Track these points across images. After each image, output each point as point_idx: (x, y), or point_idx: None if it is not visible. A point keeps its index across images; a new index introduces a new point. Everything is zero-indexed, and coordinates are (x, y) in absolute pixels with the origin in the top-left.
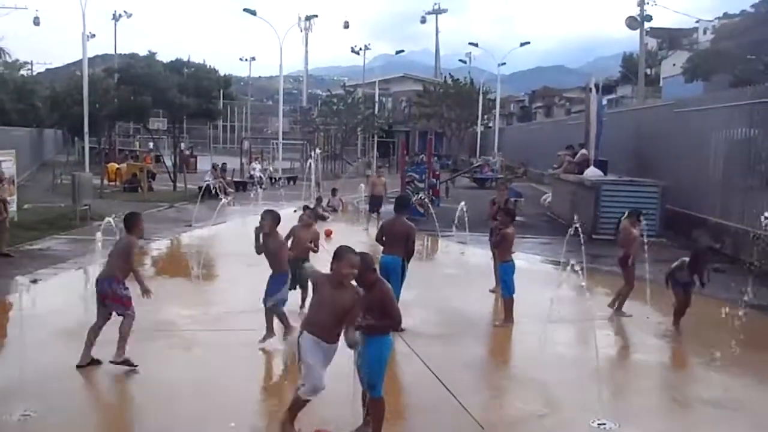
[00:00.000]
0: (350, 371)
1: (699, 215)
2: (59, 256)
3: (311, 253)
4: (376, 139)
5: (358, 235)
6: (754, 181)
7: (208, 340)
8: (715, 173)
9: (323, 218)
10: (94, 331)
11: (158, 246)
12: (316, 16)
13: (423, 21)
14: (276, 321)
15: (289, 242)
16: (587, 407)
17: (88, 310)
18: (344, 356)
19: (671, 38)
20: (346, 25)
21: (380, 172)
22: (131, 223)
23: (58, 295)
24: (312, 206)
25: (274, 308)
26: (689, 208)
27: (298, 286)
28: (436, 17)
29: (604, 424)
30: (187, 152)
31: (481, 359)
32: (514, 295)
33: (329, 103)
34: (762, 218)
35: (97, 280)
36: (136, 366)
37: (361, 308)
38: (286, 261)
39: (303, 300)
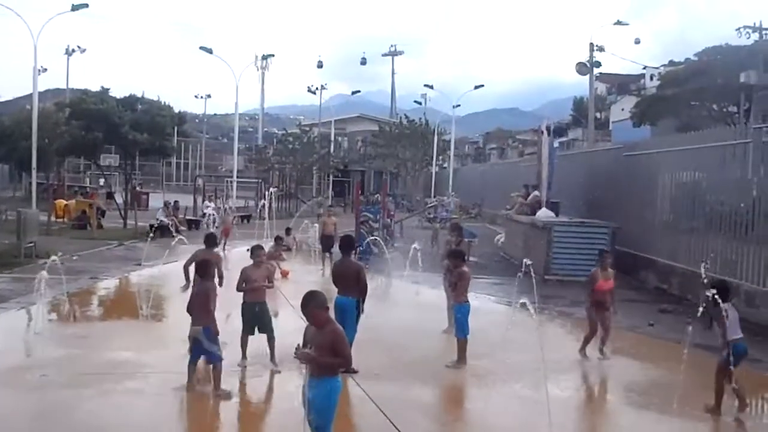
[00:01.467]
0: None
1: (648, 256)
2: (1, 296)
3: (268, 293)
4: (331, 178)
5: (313, 275)
6: (700, 223)
7: (153, 381)
8: (662, 215)
9: (280, 258)
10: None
11: (106, 285)
12: (273, 55)
13: (363, 63)
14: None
15: (243, 285)
16: None
17: (28, 351)
18: (294, 400)
19: (620, 84)
20: (320, 65)
21: (331, 211)
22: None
23: None
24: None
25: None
26: (638, 249)
27: (257, 330)
28: (392, 59)
29: None
30: (137, 188)
31: (435, 402)
32: (468, 336)
33: (285, 141)
34: (702, 268)
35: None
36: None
37: (316, 348)
38: (211, 312)
39: (272, 349)
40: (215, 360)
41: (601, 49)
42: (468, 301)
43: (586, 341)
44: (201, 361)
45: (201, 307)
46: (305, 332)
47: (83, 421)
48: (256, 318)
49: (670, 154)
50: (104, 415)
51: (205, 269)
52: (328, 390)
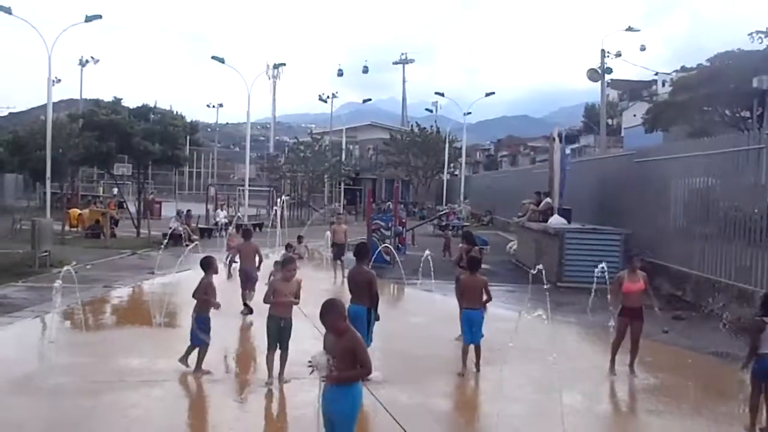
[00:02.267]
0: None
1: (661, 263)
2: (15, 304)
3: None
4: (342, 186)
5: (325, 283)
6: (713, 229)
7: (167, 389)
8: (675, 221)
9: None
10: None
11: (119, 294)
12: (285, 64)
13: (365, 71)
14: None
15: (271, 297)
16: None
17: (41, 360)
18: (310, 406)
19: (631, 90)
20: (340, 73)
21: (341, 218)
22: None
23: (10, 346)
24: (292, 245)
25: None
26: (651, 256)
27: (278, 346)
28: (403, 67)
29: None
30: (150, 196)
31: (447, 409)
32: (467, 343)
33: (296, 150)
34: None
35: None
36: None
37: (332, 355)
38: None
39: (283, 364)
40: (199, 344)
41: (618, 54)
42: (464, 308)
43: (613, 350)
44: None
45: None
46: (324, 340)
47: (96, 429)
48: (280, 332)
49: (682, 160)
50: (117, 423)
51: (208, 264)
52: (353, 398)
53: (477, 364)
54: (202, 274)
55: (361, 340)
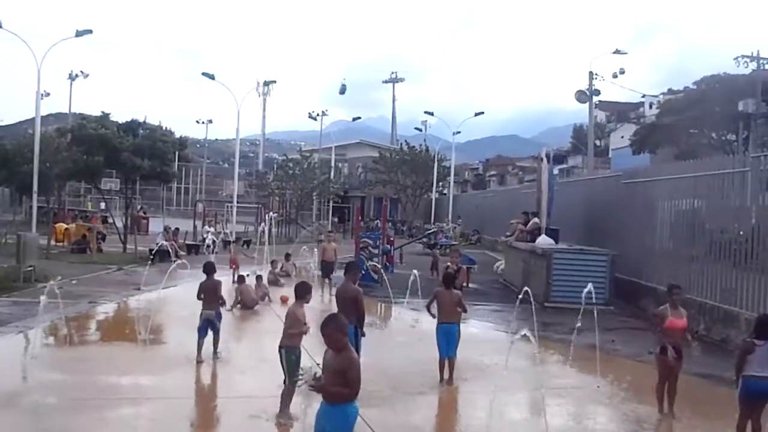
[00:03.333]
0: None
1: (647, 284)
2: None
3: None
4: (331, 204)
5: (313, 301)
6: (699, 251)
7: (152, 406)
8: (662, 243)
9: (277, 283)
10: None
11: (105, 310)
12: (275, 81)
13: (342, 91)
14: None
15: (292, 329)
16: None
17: (25, 376)
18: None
19: (619, 112)
20: (342, 90)
21: (330, 236)
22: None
23: None
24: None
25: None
26: (638, 277)
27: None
28: (393, 85)
29: None
30: (140, 212)
31: (432, 428)
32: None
33: (285, 167)
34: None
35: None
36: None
37: (329, 372)
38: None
39: (290, 396)
40: (218, 330)
41: (615, 75)
42: (441, 322)
43: (659, 395)
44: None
45: (213, 295)
46: (324, 356)
47: None
48: (295, 366)
49: (669, 181)
50: None
51: (210, 268)
52: (346, 417)
53: (450, 378)
54: (187, 291)
55: (357, 361)
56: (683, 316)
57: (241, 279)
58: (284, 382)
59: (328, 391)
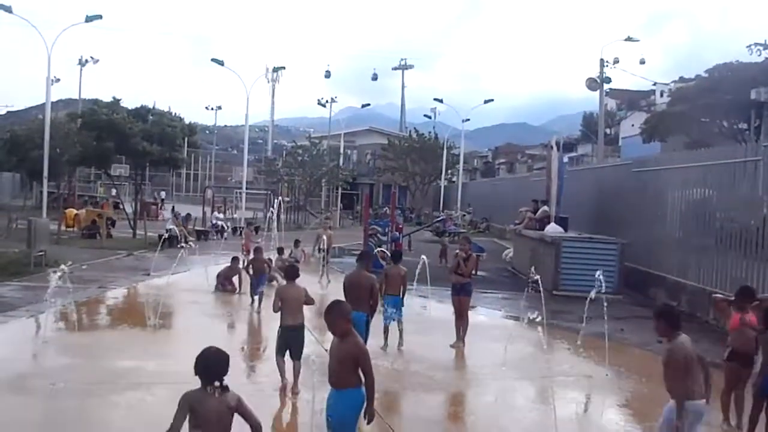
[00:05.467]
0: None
1: (657, 273)
2: (10, 304)
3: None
4: (340, 191)
5: (312, 286)
6: (709, 240)
7: (161, 391)
8: (672, 232)
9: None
10: None
11: (114, 295)
12: (284, 67)
13: (375, 78)
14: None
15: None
16: None
17: (36, 359)
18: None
19: (630, 100)
20: (327, 75)
21: (327, 223)
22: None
23: (5, 345)
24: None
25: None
26: (647, 266)
27: (289, 355)
28: (402, 72)
29: None
30: (160, 200)
31: (440, 415)
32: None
33: (294, 153)
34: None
35: None
36: None
37: (335, 359)
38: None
39: (296, 375)
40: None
41: (611, 64)
42: (387, 294)
43: (724, 405)
44: None
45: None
46: (331, 346)
47: (89, 430)
48: (289, 341)
49: (679, 170)
50: (110, 424)
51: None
52: (352, 401)
53: (401, 339)
54: (196, 276)
55: (365, 349)
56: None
57: (235, 260)
58: (293, 359)
59: (371, 396)
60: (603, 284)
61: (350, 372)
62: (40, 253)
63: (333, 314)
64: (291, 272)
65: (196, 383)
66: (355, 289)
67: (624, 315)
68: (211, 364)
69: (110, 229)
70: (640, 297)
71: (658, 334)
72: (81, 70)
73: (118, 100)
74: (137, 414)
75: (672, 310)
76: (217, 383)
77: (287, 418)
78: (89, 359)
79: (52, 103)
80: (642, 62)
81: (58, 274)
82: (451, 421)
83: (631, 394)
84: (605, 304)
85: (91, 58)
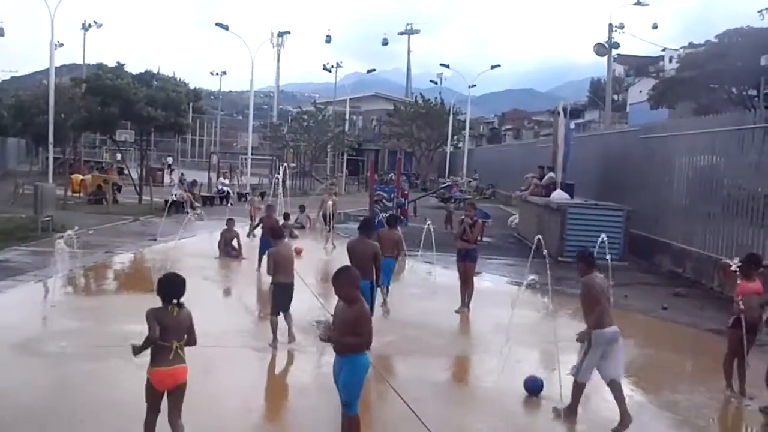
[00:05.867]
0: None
1: (663, 240)
2: (18, 268)
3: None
4: (345, 156)
5: (316, 253)
6: (716, 207)
7: None
8: (678, 199)
9: (293, 236)
10: None
11: (121, 260)
12: (289, 32)
13: (385, 43)
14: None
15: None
16: (550, 428)
17: (45, 323)
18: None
19: (638, 65)
20: (328, 40)
21: (332, 189)
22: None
23: (14, 309)
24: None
25: None
26: (653, 233)
27: (281, 313)
28: (408, 37)
29: None
30: (167, 166)
31: (446, 379)
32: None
33: (300, 119)
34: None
35: None
36: None
37: (339, 323)
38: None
39: (290, 326)
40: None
41: (619, 30)
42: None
43: (727, 372)
44: None
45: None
46: (336, 307)
47: (99, 392)
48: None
49: (687, 137)
50: (119, 386)
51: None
52: (354, 366)
53: (384, 300)
54: (203, 241)
55: (367, 312)
56: (756, 278)
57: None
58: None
59: (343, 342)
60: (607, 248)
61: (351, 336)
62: (47, 219)
63: (341, 279)
64: (277, 232)
65: (202, 349)
66: (359, 257)
67: (629, 281)
68: (171, 287)
69: (116, 195)
70: (645, 264)
71: (579, 274)
72: (85, 34)
73: (122, 65)
74: (144, 376)
75: (589, 254)
76: (174, 301)
77: (296, 377)
78: (97, 323)
79: (56, 68)
80: (654, 27)
81: (64, 239)
82: (455, 384)
83: (633, 359)
84: (610, 270)
85: (95, 22)
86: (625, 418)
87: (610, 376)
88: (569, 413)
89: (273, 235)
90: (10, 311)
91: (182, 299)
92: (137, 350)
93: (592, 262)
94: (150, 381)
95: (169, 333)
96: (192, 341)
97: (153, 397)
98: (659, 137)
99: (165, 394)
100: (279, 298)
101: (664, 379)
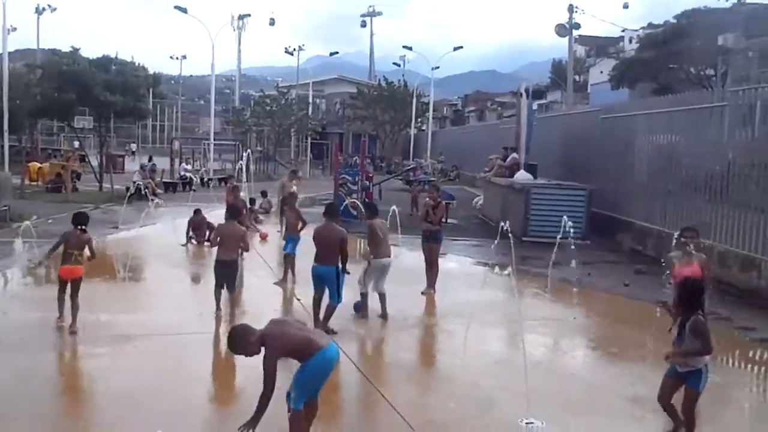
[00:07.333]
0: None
1: (624, 218)
2: None
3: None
4: (309, 140)
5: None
6: (676, 185)
7: (134, 342)
8: (639, 178)
9: (258, 221)
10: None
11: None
12: (249, 15)
13: (363, 25)
14: None
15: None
16: (516, 406)
17: (3, 315)
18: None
19: (599, 46)
20: (272, 23)
21: (294, 175)
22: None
23: None
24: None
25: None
26: (615, 212)
27: (225, 288)
28: (371, 19)
29: (532, 423)
30: (130, 153)
31: (411, 360)
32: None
33: (262, 103)
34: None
35: None
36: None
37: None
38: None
39: (231, 305)
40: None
41: (580, 11)
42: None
43: None
44: None
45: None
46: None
47: (64, 382)
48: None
49: (646, 116)
50: (84, 376)
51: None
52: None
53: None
54: (165, 229)
55: (283, 346)
56: (693, 262)
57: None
58: (228, 291)
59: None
60: (570, 229)
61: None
62: (4, 208)
63: (237, 349)
64: (233, 211)
65: (169, 336)
66: (324, 242)
67: (592, 260)
68: (78, 218)
69: (75, 183)
70: (607, 242)
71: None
72: (38, 18)
73: (78, 50)
74: (112, 364)
75: (371, 203)
76: (80, 227)
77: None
78: (57, 313)
79: (9, 53)
80: (626, 6)
81: (23, 228)
82: (423, 365)
83: (597, 335)
84: (573, 249)
85: (49, 6)
86: None
87: (379, 290)
88: None
89: (228, 213)
90: None
91: (85, 227)
92: (49, 251)
93: (374, 211)
94: (59, 274)
95: (73, 246)
96: (92, 255)
97: (61, 284)
98: (619, 117)
99: (69, 283)
100: (218, 273)
101: (624, 352)
